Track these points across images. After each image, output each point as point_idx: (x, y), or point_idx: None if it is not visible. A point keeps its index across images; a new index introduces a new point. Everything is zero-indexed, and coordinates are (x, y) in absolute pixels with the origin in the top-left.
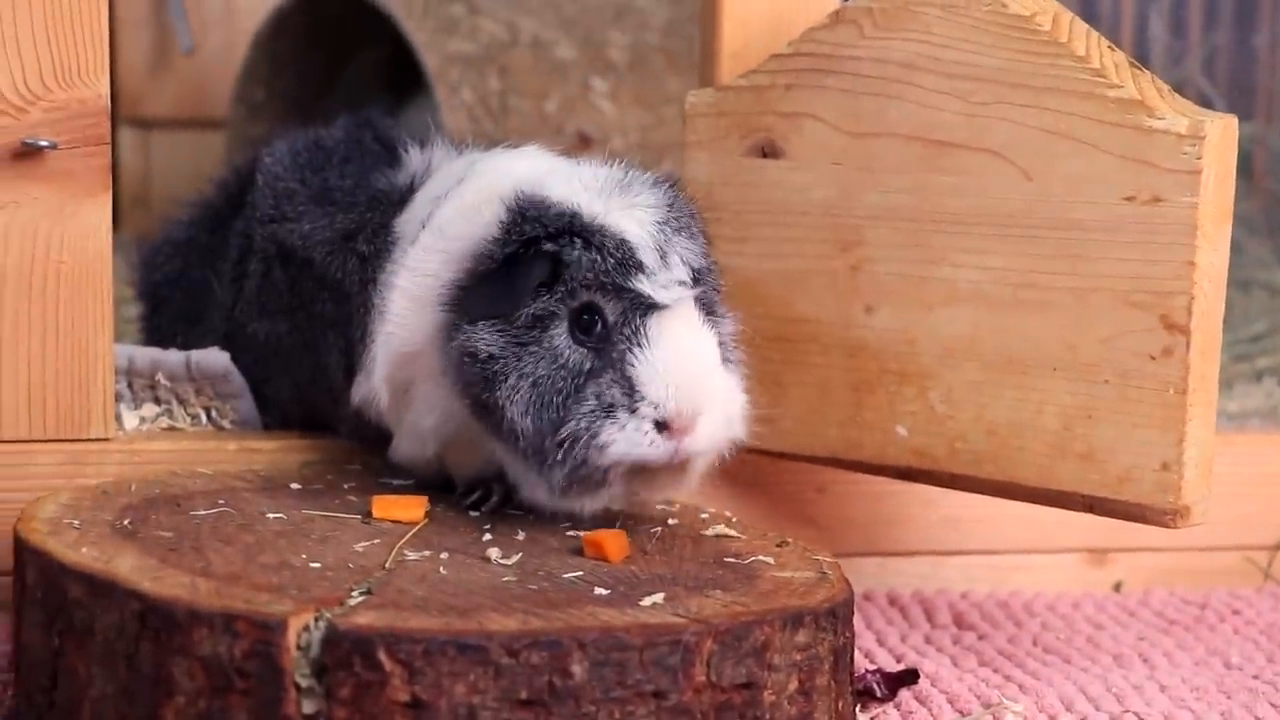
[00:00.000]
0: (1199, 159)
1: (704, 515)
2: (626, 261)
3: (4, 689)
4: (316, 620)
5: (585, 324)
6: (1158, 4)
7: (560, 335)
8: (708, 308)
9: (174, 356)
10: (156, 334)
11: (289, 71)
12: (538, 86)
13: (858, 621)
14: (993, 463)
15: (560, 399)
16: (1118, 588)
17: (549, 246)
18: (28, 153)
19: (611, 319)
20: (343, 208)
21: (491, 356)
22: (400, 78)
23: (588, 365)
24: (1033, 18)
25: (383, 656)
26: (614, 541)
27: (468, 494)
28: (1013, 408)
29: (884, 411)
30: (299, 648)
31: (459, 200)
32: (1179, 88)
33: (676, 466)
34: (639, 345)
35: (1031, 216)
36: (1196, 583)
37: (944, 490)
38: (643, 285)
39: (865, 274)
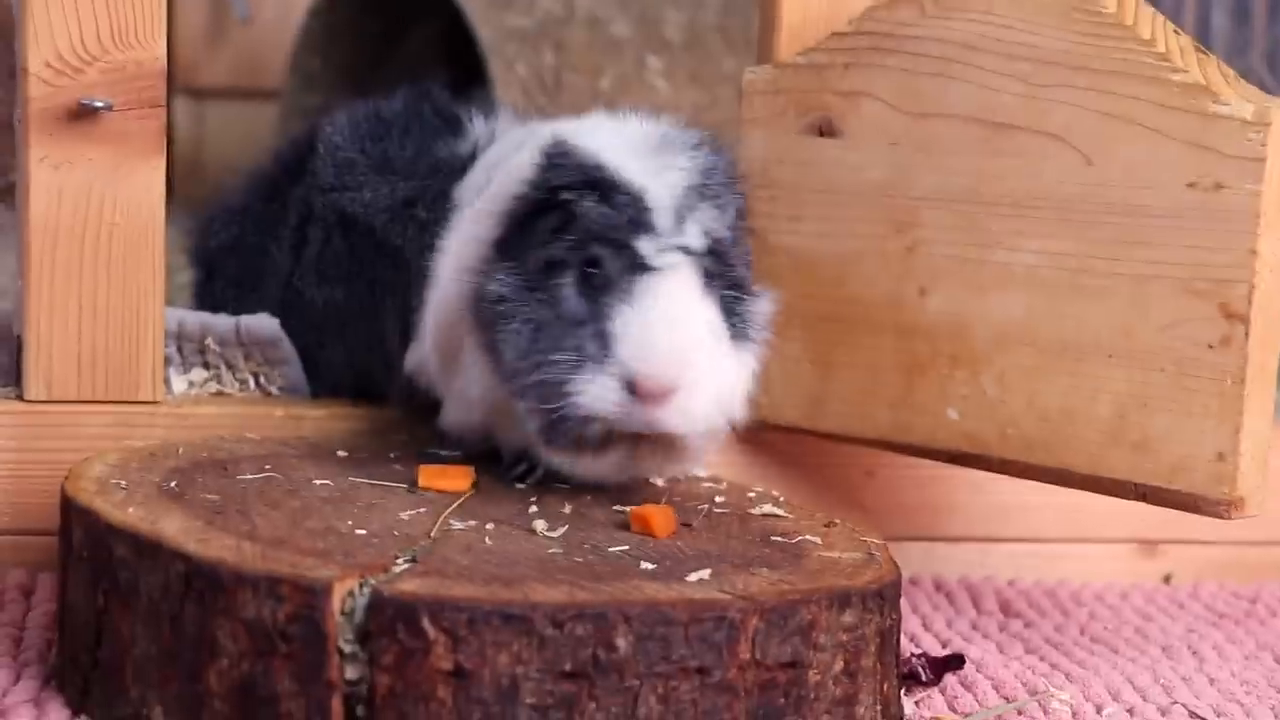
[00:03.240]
0: (1264, 145)
1: (751, 494)
2: (638, 220)
3: (48, 647)
4: (361, 586)
5: (590, 276)
6: None
7: (567, 284)
8: (732, 282)
9: (224, 321)
10: (210, 300)
11: (344, 42)
12: (593, 63)
13: (903, 606)
14: (1044, 449)
15: (548, 345)
16: (1167, 579)
17: (566, 195)
18: (83, 113)
19: (612, 274)
20: (404, 176)
21: (501, 298)
22: (456, 51)
23: (581, 316)
24: None
25: (427, 624)
26: (661, 517)
27: (513, 465)
28: (1066, 394)
29: (935, 394)
30: (343, 613)
31: (513, 166)
32: (1241, 79)
33: (665, 440)
34: (623, 302)
35: (1091, 201)
36: (1247, 576)
37: (993, 477)
38: (643, 245)
39: (920, 256)
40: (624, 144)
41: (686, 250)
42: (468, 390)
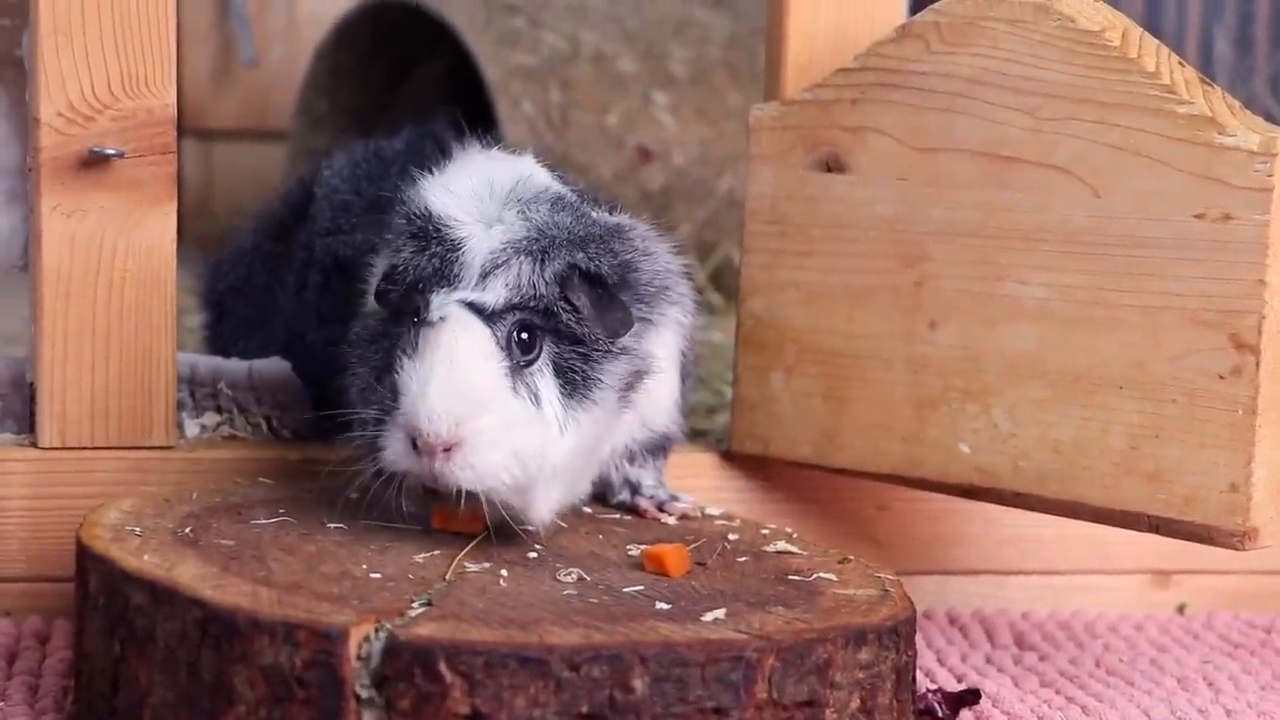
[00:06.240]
0: (1270, 176)
1: (765, 531)
2: (442, 271)
3: (65, 695)
4: (377, 631)
5: (415, 325)
6: (1223, 21)
7: (401, 333)
8: (570, 338)
9: (236, 365)
10: (219, 342)
11: (351, 83)
12: (599, 100)
13: (918, 640)
14: (1057, 481)
15: (362, 398)
16: (1181, 610)
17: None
18: (95, 161)
19: (416, 324)
20: None
21: (352, 343)
22: (463, 91)
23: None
24: (1102, 33)
25: (443, 668)
26: (675, 556)
27: None
28: (1078, 426)
29: (947, 428)
30: (359, 658)
31: None
32: (1245, 106)
33: (469, 495)
34: (406, 355)
35: (1099, 233)
36: (1261, 606)
37: (1005, 510)
38: (436, 298)
39: (929, 290)
40: (470, 192)
41: (476, 305)
42: None
